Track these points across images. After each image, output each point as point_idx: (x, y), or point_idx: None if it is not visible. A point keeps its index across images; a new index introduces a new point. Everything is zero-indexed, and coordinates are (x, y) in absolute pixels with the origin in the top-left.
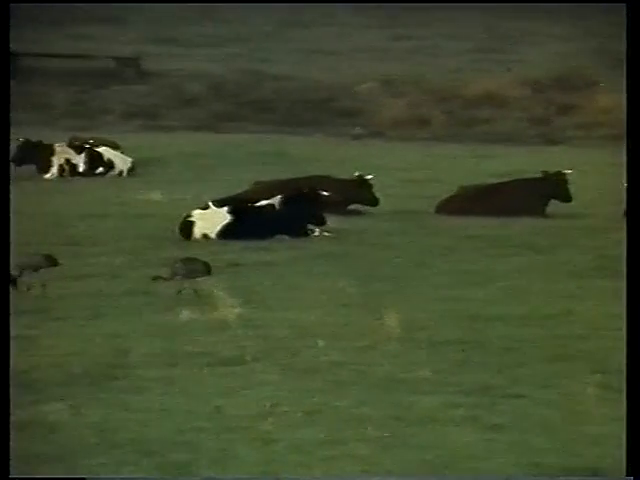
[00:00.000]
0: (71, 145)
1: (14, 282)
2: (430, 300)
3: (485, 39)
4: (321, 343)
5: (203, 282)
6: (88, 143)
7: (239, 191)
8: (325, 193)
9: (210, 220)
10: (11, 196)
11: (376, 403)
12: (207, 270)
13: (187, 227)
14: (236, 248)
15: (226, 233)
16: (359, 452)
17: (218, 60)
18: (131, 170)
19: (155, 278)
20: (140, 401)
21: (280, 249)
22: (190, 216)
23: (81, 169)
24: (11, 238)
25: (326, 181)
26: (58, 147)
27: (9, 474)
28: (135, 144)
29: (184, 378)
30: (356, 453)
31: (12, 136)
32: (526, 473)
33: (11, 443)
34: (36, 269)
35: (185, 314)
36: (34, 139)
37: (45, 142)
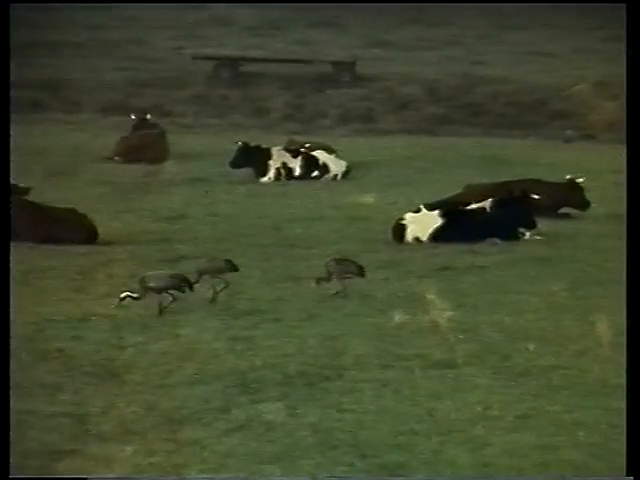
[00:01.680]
0: (288, 149)
1: (190, 286)
2: None
3: None
4: (532, 347)
5: (418, 285)
6: (304, 147)
7: (451, 194)
8: (536, 196)
9: (422, 223)
10: (227, 198)
11: (588, 408)
12: (360, 272)
13: (399, 230)
14: (447, 251)
15: (437, 236)
16: (571, 457)
17: (433, 63)
18: (346, 174)
19: (318, 281)
20: (354, 402)
21: (491, 252)
22: (402, 219)
23: (297, 173)
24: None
25: (537, 184)
26: (275, 151)
27: (9, 474)
28: (350, 148)
29: (397, 380)
30: (568, 458)
31: (233, 139)
32: None
33: (231, 441)
34: (216, 274)
35: (397, 316)
36: (252, 143)
37: (263, 146)
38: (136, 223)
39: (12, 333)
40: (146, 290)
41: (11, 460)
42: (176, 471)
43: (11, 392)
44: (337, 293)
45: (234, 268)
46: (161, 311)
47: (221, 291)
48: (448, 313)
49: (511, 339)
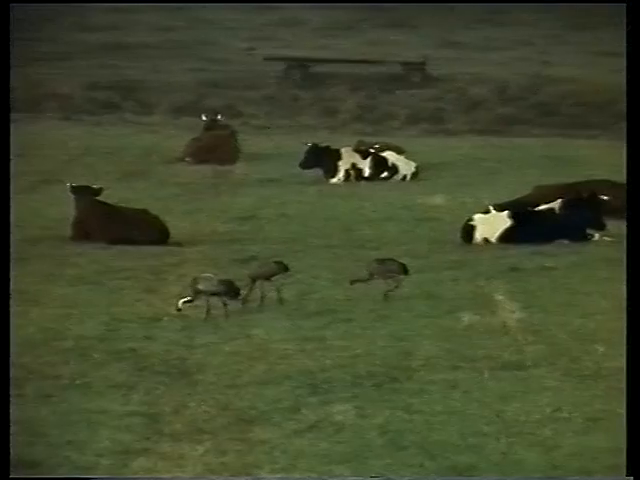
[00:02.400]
0: (357, 150)
1: (238, 293)
2: None
3: None
4: (601, 349)
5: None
6: (373, 148)
7: (520, 195)
8: (605, 197)
9: (491, 224)
10: (297, 199)
11: None
12: (403, 270)
13: (468, 231)
14: (516, 252)
15: (506, 237)
16: None
17: (502, 63)
18: (415, 174)
19: (353, 282)
20: (423, 403)
21: (560, 254)
22: (471, 220)
23: (366, 174)
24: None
25: (606, 185)
26: (345, 152)
27: (9, 474)
28: (419, 148)
29: (466, 382)
30: None
31: (303, 140)
32: None
33: (300, 442)
34: (269, 277)
35: (466, 317)
36: (322, 144)
37: (333, 147)
38: (207, 224)
39: (85, 333)
40: (196, 292)
41: (85, 458)
42: (247, 471)
43: (84, 391)
44: (387, 293)
45: (285, 269)
46: (207, 313)
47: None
48: (517, 314)
49: (580, 341)
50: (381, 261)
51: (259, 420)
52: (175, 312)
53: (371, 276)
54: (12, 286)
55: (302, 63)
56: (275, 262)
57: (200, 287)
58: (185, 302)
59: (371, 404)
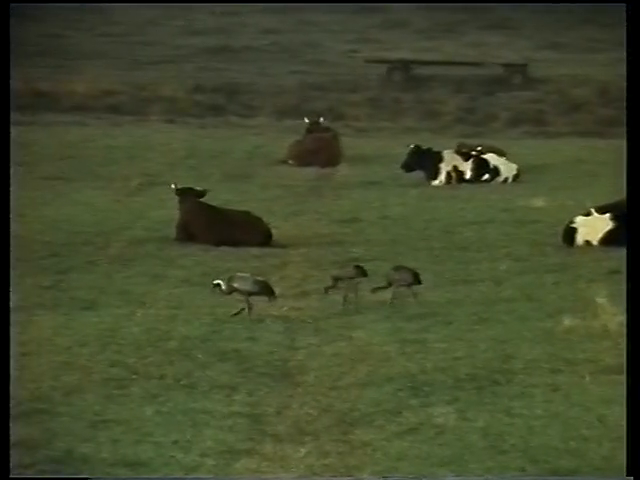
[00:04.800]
0: (458, 152)
1: (272, 293)
2: None
3: None
4: None
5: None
6: (475, 150)
7: (621, 197)
8: None
9: (592, 227)
10: (399, 201)
11: None
12: (416, 279)
13: (570, 234)
14: (618, 255)
15: (608, 240)
16: None
17: (604, 64)
18: (516, 177)
19: (374, 290)
20: (524, 407)
21: None
22: (573, 222)
23: (467, 176)
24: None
25: None
26: (446, 154)
27: (9, 474)
28: (521, 150)
29: (567, 385)
30: None
31: (405, 142)
32: None
33: (401, 444)
34: (349, 279)
35: (567, 320)
36: (424, 146)
37: (434, 149)
38: (309, 226)
39: (189, 334)
40: (231, 290)
41: (190, 458)
42: (348, 472)
43: (188, 392)
44: (392, 301)
45: (364, 274)
46: (237, 313)
47: (354, 292)
48: (619, 317)
49: None
50: (396, 269)
51: (361, 422)
52: (277, 313)
53: (389, 284)
54: (118, 287)
55: (404, 65)
56: (355, 266)
57: (235, 285)
58: (215, 285)
59: (472, 407)
